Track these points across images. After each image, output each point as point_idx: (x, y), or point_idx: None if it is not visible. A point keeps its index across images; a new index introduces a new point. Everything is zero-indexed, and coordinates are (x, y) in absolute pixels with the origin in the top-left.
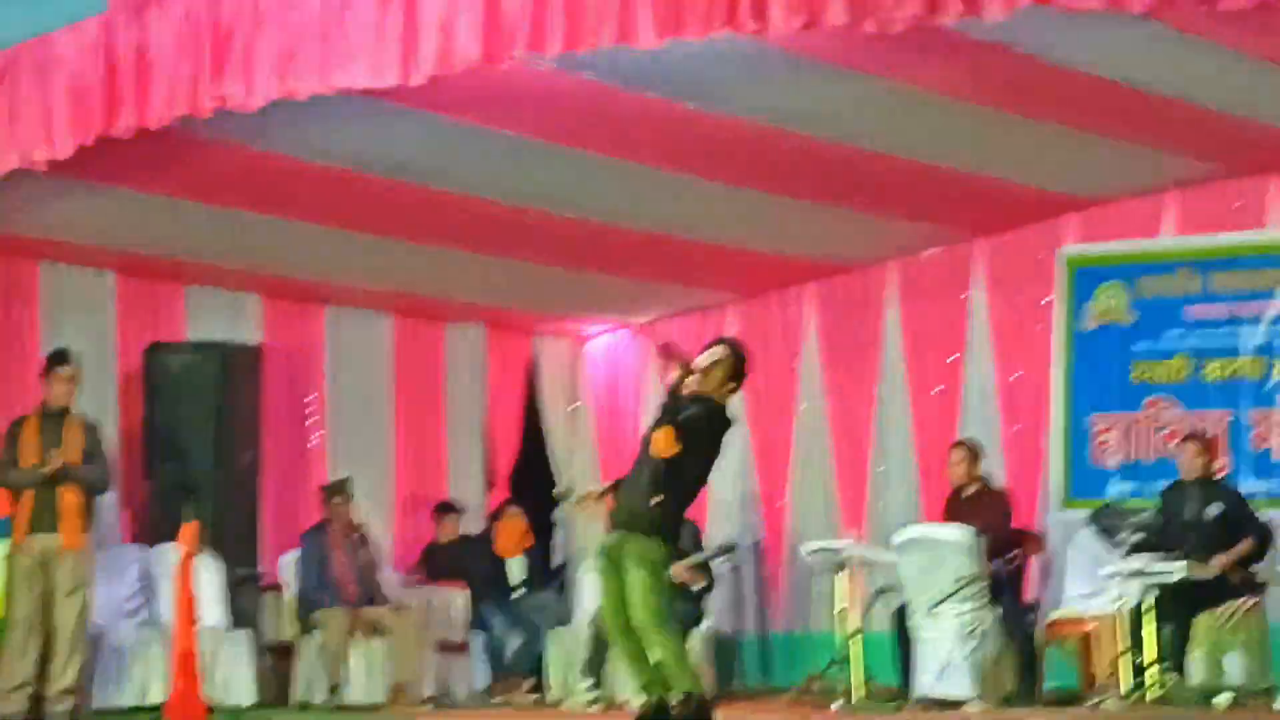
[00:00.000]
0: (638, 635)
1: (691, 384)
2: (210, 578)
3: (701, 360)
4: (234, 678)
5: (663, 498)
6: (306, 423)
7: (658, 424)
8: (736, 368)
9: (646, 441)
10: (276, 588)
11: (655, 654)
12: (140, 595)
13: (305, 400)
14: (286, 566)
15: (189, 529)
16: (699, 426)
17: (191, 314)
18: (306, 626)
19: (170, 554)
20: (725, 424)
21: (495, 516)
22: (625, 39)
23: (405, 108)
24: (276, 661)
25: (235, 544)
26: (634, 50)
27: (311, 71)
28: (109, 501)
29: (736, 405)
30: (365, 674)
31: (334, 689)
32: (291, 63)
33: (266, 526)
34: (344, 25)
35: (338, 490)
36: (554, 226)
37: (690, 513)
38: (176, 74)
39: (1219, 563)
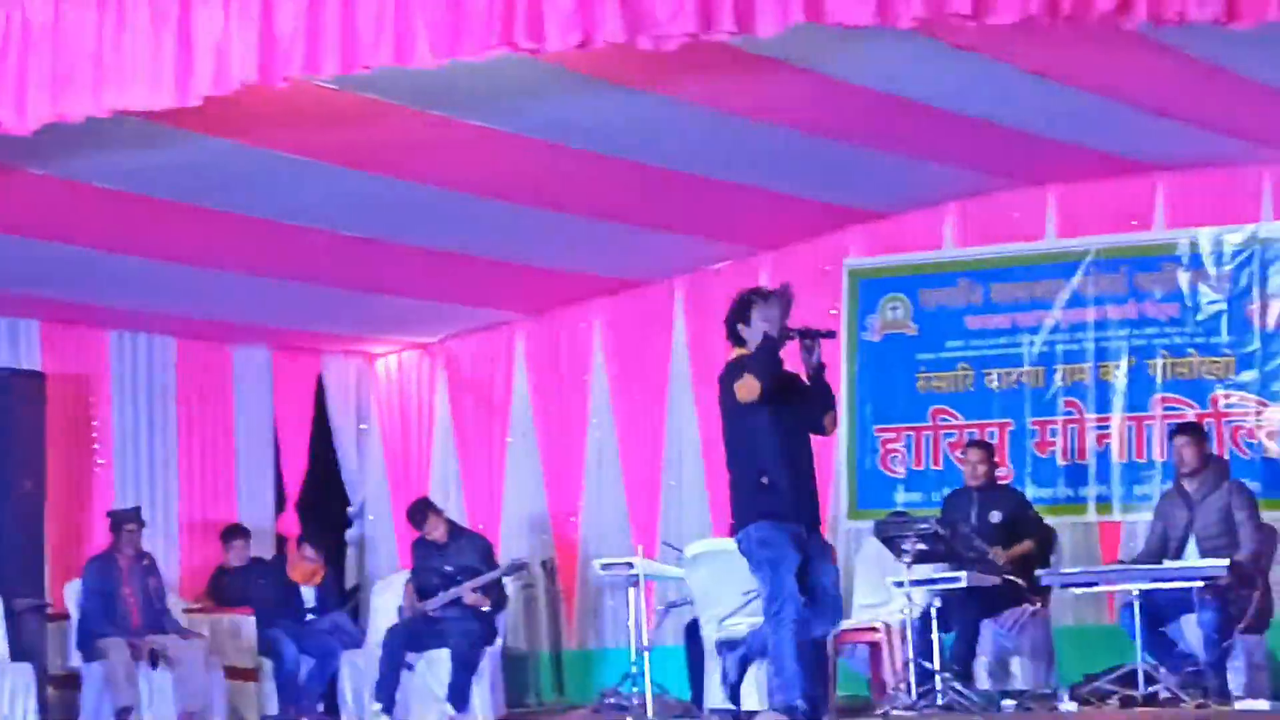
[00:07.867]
0: None
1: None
2: None
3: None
4: (18, 709)
5: None
6: (91, 449)
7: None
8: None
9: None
10: (61, 617)
11: None
12: None
13: (89, 426)
14: (71, 595)
15: None
16: None
17: None
18: (90, 655)
19: None
20: None
21: (286, 542)
22: (402, 60)
23: (184, 130)
24: (62, 692)
25: (17, 573)
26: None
27: (85, 94)
28: None
29: (528, 423)
30: (153, 703)
31: (120, 718)
32: (65, 85)
33: (50, 555)
34: (119, 46)
35: (130, 518)
36: (338, 246)
37: (484, 531)
38: None
39: (997, 555)
